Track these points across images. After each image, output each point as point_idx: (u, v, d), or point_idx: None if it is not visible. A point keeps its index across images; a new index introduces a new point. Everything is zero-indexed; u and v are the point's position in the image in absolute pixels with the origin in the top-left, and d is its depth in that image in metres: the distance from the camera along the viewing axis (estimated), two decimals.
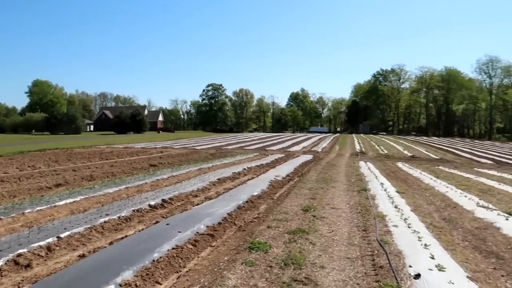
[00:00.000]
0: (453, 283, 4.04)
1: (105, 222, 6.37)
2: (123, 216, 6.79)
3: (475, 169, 20.16)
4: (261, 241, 5.50)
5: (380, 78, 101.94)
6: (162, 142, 37.99)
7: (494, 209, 8.34)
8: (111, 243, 5.51)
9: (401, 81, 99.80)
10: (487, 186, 12.63)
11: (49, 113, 71.76)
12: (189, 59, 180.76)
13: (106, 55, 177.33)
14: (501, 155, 32.96)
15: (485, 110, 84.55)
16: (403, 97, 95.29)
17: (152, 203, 7.88)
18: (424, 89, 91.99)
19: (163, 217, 7.06)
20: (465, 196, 10.03)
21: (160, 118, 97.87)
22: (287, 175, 13.63)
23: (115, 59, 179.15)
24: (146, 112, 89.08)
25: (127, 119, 69.97)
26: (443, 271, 4.41)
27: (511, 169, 20.88)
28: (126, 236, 5.84)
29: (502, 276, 4.68)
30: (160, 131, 78.44)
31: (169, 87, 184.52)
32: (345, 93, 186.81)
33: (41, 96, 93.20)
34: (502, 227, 6.87)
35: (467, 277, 4.37)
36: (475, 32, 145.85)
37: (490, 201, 9.47)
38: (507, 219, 7.34)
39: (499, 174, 17.40)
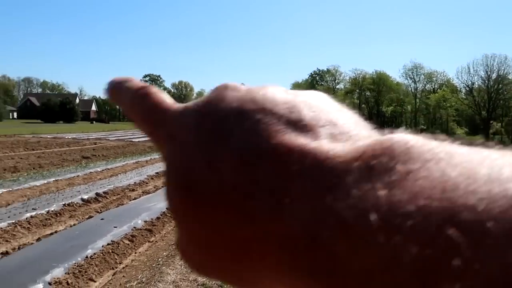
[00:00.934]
0: None
1: (31, 217, 5.93)
2: (52, 211, 6.36)
3: None
4: None
5: (317, 78, 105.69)
6: (95, 133, 36.14)
7: None
8: (38, 240, 5.15)
9: (336, 81, 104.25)
10: None
11: None
12: (125, 47, 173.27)
13: (31, 36, 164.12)
14: None
15: (411, 113, 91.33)
16: (338, 97, 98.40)
17: (85, 197, 7.47)
18: (357, 91, 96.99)
19: (98, 211, 6.74)
20: None
21: (93, 107, 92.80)
22: None
23: (42, 41, 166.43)
24: (77, 100, 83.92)
25: (56, 107, 65.45)
26: None
27: None
28: (56, 232, 5.49)
29: None
30: (94, 122, 74.45)
31: (103, 75, 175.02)
32: None
33: None
34: None
35: None
36: (402, 38, 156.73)
37: None
38: None
39: None
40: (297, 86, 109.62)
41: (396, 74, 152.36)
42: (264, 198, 0.17)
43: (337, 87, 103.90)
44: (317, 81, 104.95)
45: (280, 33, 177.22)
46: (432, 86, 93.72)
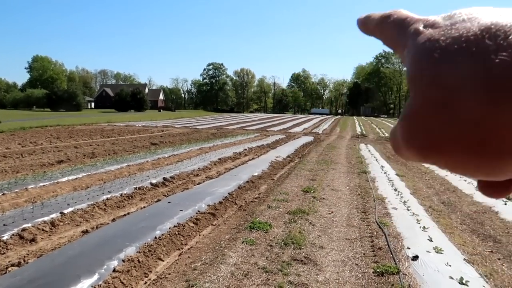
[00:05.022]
0: (450, 265, 4.11)
1: (107, 199, 6.44)
2: (125, 194, 6.85)
3: None
4: (262, 221, 5.57)
5: (382, 60, 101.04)
6: (163, 121, 37.95)
7: None
8: (113, 220, 5.58)
9: (403, 63, 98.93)
10: None
11: (50, 90, 71.33)
12: (190, 38, 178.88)
13: (106, 32, 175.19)
14: None
15: None
16: (405, 80, 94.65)
17: (154, 181, 7.93)
18: None
19: (165, 195, 7.13)
20: (465, 180, 10.09)
21: (161, 96, 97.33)
22: (288, 156, 13.67)
23: (115, 36, 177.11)
24: (146, 90, 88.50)
25: (127, 97, 69.57)
26: (441, 253, 4.48)
27: None
28: (128, 213, 5.91)
29: (499, 259, 4.76)
30: (161, 110, 78.17)
31: (169, 66, 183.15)
32: (347, 75, 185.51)
33: (41, 72, 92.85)
34: (500, 211, 6.94)
35: (464, 259, 4.45)
36: None
37: None
38: (505, 204, 7.40)
39: None
40: (360, 69, 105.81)
41: None
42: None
43: (404, 69, 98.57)
44: (382, 64, 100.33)
45: (344, 14, 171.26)
46: None
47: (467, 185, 9.41)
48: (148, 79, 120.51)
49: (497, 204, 7.41)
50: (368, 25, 0.35)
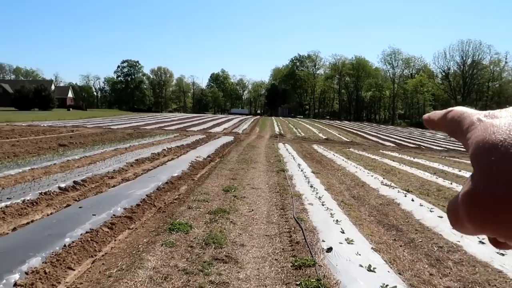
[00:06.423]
0: (360, 255, 4.42)
1: (6, 206, 5.77)
2: (28, 200, 6.21)
3: (380, 151, 22.07)
4: (182, 222, 5.45)
5: (298, 63, 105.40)
6: (72, 120, 35.28)
7: (395, 187, 9.25)
8: (14, 229, 5.03)
9: (316, 67, 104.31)
10: (390, 166, 13.93)
11: None
12: (102, 33, 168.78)
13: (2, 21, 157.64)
14: (402, 138, 36.48)
15: (389, 98, 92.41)
16: (318, 83, 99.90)
17: (63, 185, 7.32)
18: (337, 76, 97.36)
19: (76, 200, 6.62)
20: (372, 176, 10.96)
21: (70, 94, 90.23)
22: (208, 156, 13.60)
23: (13, 26, 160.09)
24: (53, 87, 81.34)
25: (30, 94, 63.29)
26: (352, 244, 4.80)
27: (410, 151, 23.25)
28: (32, 221, 5.37)
29: (400, 246, 5.24)
30: (71, 109, 72.57)
31: (79, 62, 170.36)
32: (264, 76, 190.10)
33: None
34: (402, 202, 7.66)
35: (372, 248, 4.82)
36: (382, 24, 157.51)
37: (392, 180, 10.48)
38: (405, 196, 8.19)
39: (400, 155, 19.28)
40: (277, 71, 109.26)
41: (375, 59, 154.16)
42: None
43: (317, 72, 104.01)
44: (297, 67, 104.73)
45: (261, 18, 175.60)
46: (409, 71, 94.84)
47: (373, 180, 10.23)
48: (55, 75, 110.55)
49: (399, 196, 8.17)
50: (433, 121, 0.42)
